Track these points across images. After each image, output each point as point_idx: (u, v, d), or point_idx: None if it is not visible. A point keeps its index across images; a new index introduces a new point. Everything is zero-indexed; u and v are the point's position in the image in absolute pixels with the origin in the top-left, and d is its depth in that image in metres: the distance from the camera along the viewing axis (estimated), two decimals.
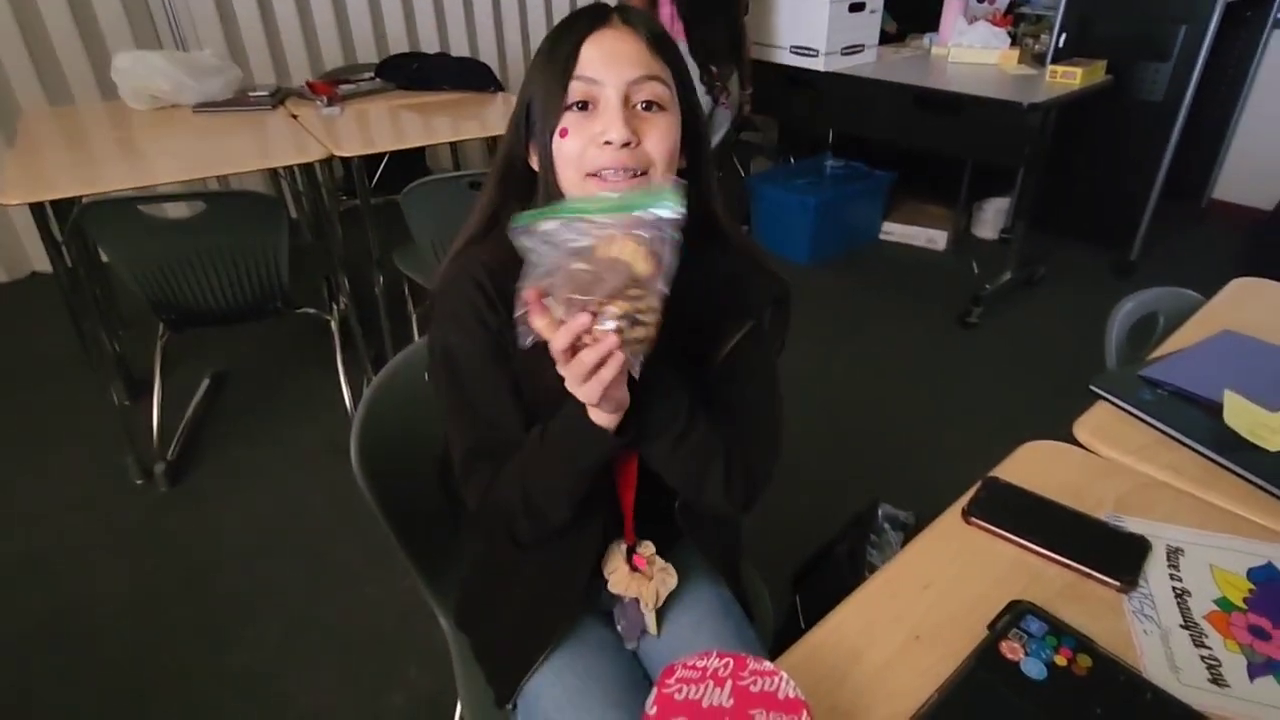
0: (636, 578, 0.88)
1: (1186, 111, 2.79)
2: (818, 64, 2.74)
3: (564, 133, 0.73)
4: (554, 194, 0.76)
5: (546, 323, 0.61)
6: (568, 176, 0.75)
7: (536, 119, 0.75)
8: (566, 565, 0.86)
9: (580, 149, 0.73)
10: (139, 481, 1.97)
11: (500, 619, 0.92)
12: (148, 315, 1.94)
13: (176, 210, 2.05)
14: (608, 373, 0.62)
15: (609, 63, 0.72)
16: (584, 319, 0.59)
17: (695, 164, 0.80)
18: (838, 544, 1.48)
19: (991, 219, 3.39)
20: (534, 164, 0.78)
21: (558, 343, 0.61)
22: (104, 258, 2.29)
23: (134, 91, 2.25)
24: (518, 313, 0.62)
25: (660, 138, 0.73)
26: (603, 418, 0.70)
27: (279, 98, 2.40)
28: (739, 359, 0.81)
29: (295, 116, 2.24)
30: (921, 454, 2.07)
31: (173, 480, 1.97)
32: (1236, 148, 3.43)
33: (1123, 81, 2.78)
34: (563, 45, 0.73)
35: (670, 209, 0.59)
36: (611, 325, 0.60)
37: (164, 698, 1.46)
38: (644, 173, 0.73)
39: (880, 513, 1.46)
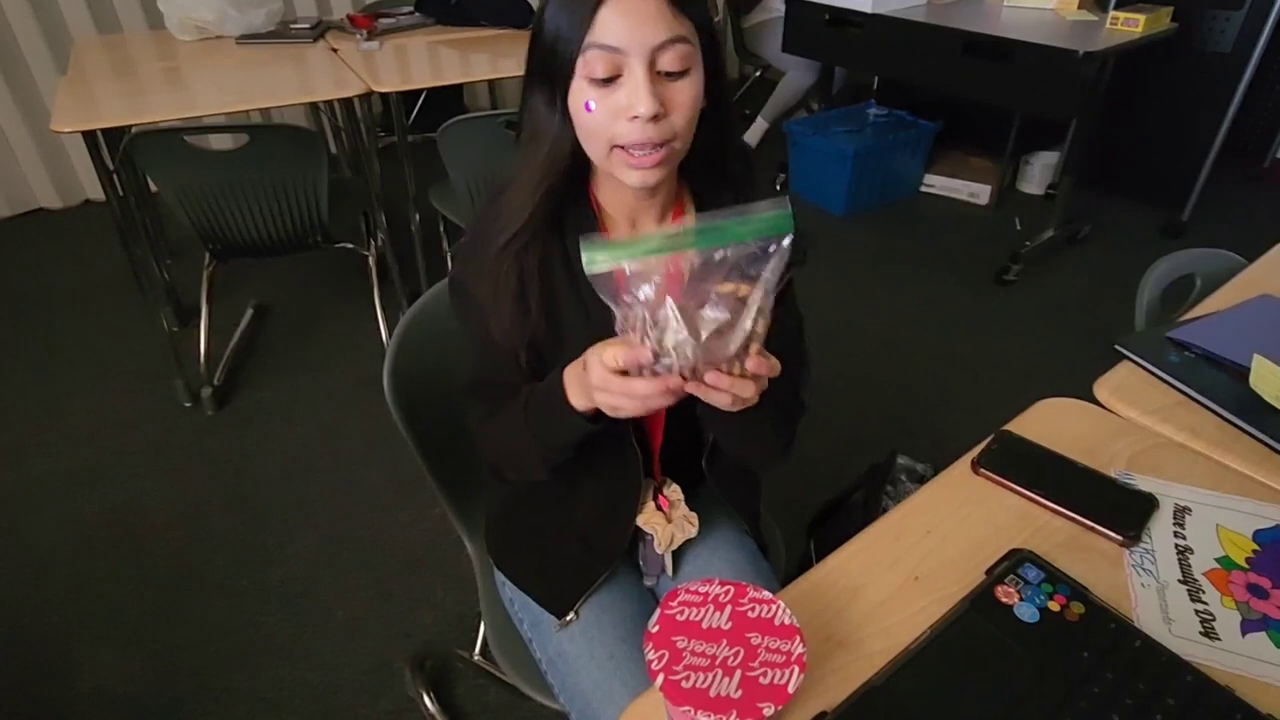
0: (659, 517, 0.91)
1: (1256, 65, 2.64)
2: (864, 5, 2.64)
3: (588, 107, 0.68)
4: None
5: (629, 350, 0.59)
6: (594, 148, 0.71)
7: (553, 75, 0.69)
8: (613, 498, 0.90)
9: (607, 122, 0.68)
10: (187, 404, 2.07)
11: (548, 547, 0.95)
12: (195, 245, 2.01)
13: (221, 142, 2.08)
14: (639, 407, 0.62)
15: (632, 28, 0.65)
16: (682, 379, 0.58)
17: (716, 102, 0.74)
18: (854, 493, 1.51)
19: (1039, 174, 3.28)
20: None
21: (631, 360, 0.59)
22: (153, 187, 2.35)
23: (179, 23, 2.28)
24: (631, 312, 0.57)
25: (686, 106, 0.69)
26: (588, 406, 0.68)
27: (320, 30, 2.40)
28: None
29: (335, 50, 2.24)
30: (945, 409, 2.07)
31: (219, 404, 2.07)
32: None
33: (1189, 31, 2.63)
34: (578, 6, 0.66)
35: (788, 238, 0.56)
36: (670, 363, 0.58)
37: (208, 603, 1.56)
38: (667, 143, 0.69)
39: (898, 463, 1.48)
